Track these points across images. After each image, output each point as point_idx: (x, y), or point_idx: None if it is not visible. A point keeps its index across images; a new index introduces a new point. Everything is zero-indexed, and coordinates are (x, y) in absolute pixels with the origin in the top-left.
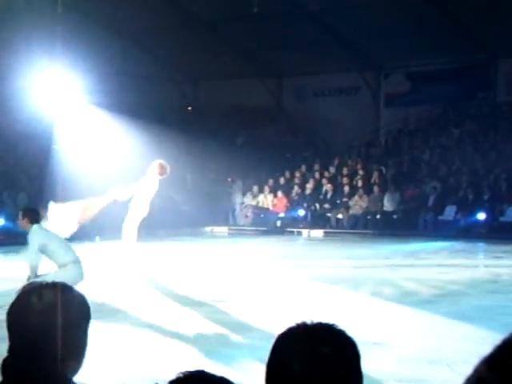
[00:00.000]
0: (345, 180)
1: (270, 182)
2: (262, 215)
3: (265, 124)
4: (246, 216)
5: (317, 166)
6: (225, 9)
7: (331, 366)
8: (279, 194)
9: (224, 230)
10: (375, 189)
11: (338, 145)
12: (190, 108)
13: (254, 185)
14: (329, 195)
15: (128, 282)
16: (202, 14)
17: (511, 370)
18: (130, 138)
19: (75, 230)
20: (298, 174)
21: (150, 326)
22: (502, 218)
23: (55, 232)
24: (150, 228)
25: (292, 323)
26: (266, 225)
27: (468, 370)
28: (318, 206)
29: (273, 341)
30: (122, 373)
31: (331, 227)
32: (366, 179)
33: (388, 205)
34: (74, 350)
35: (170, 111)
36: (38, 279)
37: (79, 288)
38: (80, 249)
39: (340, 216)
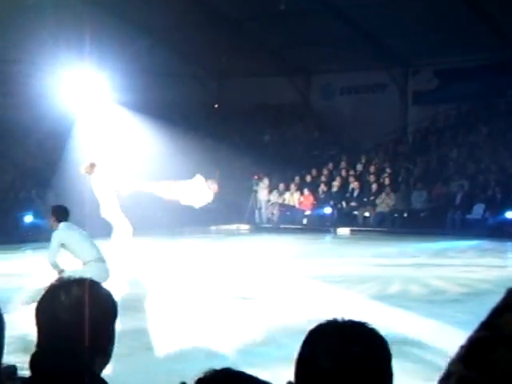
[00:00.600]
0: (372, 178)
1: (297, 179)
2: (288, 213)
3: (291, 121)
4: (272, 214)
5: (343, 164)
6: (251, 6)
7: (362, 365)
8: (306, 191)
9: (250, 227)
10: (402, 187)
11: (365, 142)
12: (216, 105)
13: (280, 182)
14: (355, 193)
15: (154, 279)
16: (228, 12)
17: (492, 365)
18: (156, 136)
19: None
20: (324, 172)
21: (174, 324)
22: None
23: (82, 231)
24: (177, 226)
25: (321, 321)
26: (292, 223)
27: None
28: (344, 203)
29: (298, 339)
30: (147, 370)
31: (358, 225)
32: (393, 177)
33: (415, 203)
34: (102, 346)
35: (195, 109)
36: (65, 275)
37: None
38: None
39: (367, 214)
